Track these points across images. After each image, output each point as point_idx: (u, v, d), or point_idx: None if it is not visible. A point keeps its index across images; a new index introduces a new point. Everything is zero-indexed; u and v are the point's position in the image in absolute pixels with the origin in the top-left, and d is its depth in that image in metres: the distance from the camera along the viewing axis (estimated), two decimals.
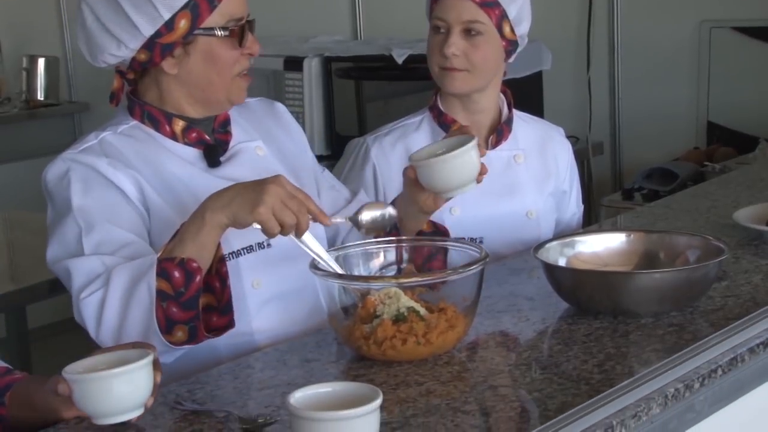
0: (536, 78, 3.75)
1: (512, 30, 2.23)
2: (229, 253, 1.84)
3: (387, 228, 1.84)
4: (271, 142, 2.03)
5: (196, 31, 1.84)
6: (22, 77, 5.29)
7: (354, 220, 1.80)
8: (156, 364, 1.49)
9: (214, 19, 1.84)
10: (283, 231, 1.66)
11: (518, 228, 2.27)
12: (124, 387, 1.44)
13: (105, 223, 1.79)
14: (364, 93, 3.92)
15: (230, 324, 1.72)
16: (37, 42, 5.45)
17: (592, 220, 3.86)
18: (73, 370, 1.46)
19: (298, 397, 1.36)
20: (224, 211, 1.66)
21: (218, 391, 1.60)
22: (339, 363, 1.70)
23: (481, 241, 2.20)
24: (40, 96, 5.28)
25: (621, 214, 2.79)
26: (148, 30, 1.83)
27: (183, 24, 1.83)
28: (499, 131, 2.30)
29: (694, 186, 2.93)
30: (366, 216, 1.80)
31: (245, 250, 1.87)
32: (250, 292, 1.88)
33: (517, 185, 2.30)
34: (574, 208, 2.45)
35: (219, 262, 1.71)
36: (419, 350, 1.64)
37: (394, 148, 2.30)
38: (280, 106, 2.15)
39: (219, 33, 1.85)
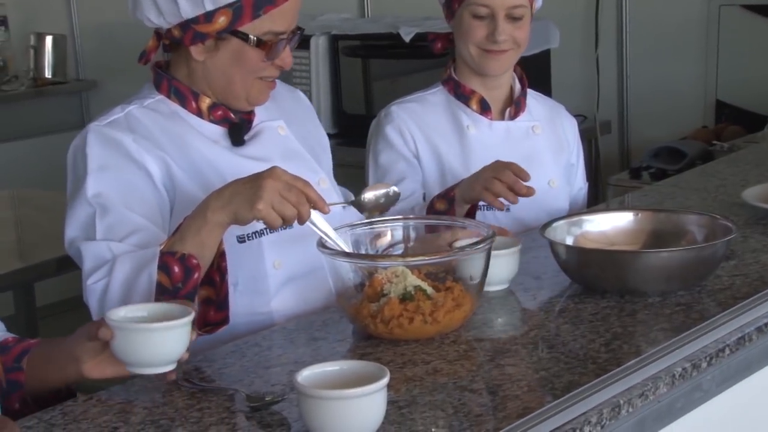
0: (544, 56, 3.73)
1: (534, 5, 2.32)
2: (252, 233, 1.85)
3: (390, 207, 1.84)
4: (291, 122, 2.03)
5: (232, 31, 1.84)
6: (29, 55, 5.28)
7: (357, 202, 1.81)
8: (193, 323, 1.51)
9: (253, 26, 1.84)
10: (285, 223, 1.65)
11: (541, 197, 2.27)
12: (167, 341, 1.46)
13: (119, 206, 1.80)
14: (371, 71, 3.92)
15: (225, 320, 1.72)
16: (45, 20, 5.44)
17: (599, 199, 3.85)
18: (117, 317, 1.48)
19: (306, 375, 1.36)
20: (225, 210, 1.66)
21: (226, 369, 1.61)
22: (346, 342, 1.70)
23: (507, 210, 2.24)
24: (47, 74, 5.28)
25: (628, 193, 2.78)
26: (187, 13, 1.84)
27: (222, 20, 1.83)
28: (517, 103, 2.35)
29: (703, 165, 2.93)
30: (369, 195, 1.80)
31: (267, 230, 1.87)
32: (271, 272, 1.89)
33: (537, 155, 2.34)
34: (581, 182, 2.50)
35: (220, 256, 1.71)
36: (426, 329, 1.64)
37: (414, 111, 2.34)
38: (302, 95, 2.16)
39: (252, 40, 1.84)
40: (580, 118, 3.95)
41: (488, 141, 2.31)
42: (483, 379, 1.52)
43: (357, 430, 1.33)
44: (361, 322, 1.67)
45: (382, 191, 1.82)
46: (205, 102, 1.91)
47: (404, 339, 1.65)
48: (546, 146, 2.36)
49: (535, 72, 3.72)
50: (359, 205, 1.82)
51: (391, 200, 1.82)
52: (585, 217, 2.00)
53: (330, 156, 2.15)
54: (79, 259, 1.80)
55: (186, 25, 1.84)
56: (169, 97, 1.92)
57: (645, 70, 3.93)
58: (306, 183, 1.67)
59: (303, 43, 3.91)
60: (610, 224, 1.97)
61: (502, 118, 2.34)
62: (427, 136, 2.32)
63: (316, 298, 1.90)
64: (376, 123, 2.40)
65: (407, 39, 3.70)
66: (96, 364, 1.53)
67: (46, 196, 3.66)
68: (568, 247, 1.89)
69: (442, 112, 2.34)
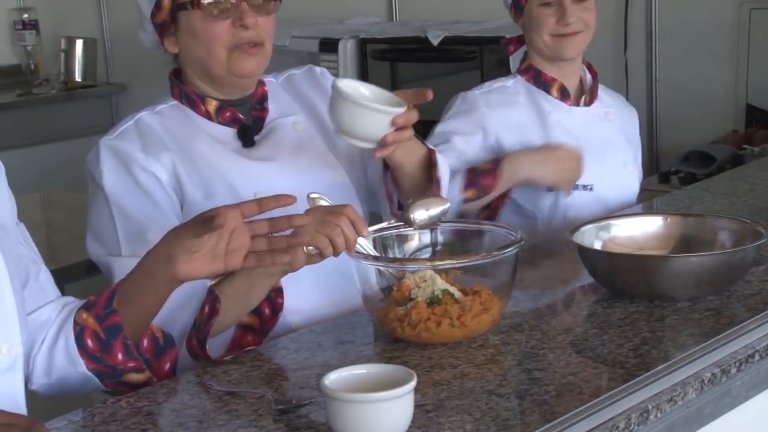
0: None
1: None
2: None
3: (439, 220, 1.81)
4: (312, 116, 2.03)
5: (177, 7, 1.87)
6: (60, 59, 5.32)
7: (405, 218, 1.78)
8: None
9: None
10: (335, 245, 1.65)
11: (620, 177, 2.46)
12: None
13: (136, 217, 1.83)
14: (399, 75, 3.91)
15: (258, 343, 1.75)
16: (75, 23, 5.48)
17: None
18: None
19: (333, 378, 1.36)
20: None
21: (253, 372, 1.61)
22: (373, 345, 1.71)
23: (591, 189, 2.38)
24: (77, 77, 5.31)
25: (657, 198, 2.77)
26: (147, 11, 1.90)
27: (166, 1, 1.87)
28: (591, 90, 2.48)
29: (732, 169, 2.91)
30: (420, 215, 1.78)
31: None
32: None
33: (612, 139, 2.48)
34: (639, 171, 2.59)
35: (276, 291, 1.74)
36: (453, 333, 1.64)
37: (495, 104, 2.41)
38: (316, 69, 2.12)
39: (189, 7, 1.86)
40: None
41: (568, 125, 2.42)
42: (510, 384, 1.52)
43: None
44: (389, 325, 1.67)
45: (432, 209, 1.79)
46: (212, 105, 1.92)
47: (432, 343, 1.65)
48: (619, 131, 2.49)
49: None
50: (408, 222, 1.78)
51: (441, 215, 1.79)
52: (614, 222, 1.99)
53: None
54: (108, 272, 1.85)
55: (155, 25, 1.90)
56: (181, 101, 1.94)
57: (674, 73, 3.90)
58: (345, 206, 1.68)
59: (331, 46, 3.92)
60: (639, 229, 1.96)
61: (577, 104, 2.45)
62: (508, 123, 2.39)
63: (333, 299, 1.90)
64: (459, 103, 2.43)
65: (435, 42, 3.69)
66: (191, 262, 1.54)
67: (77, 198, 3.68)
68: (596, 251, 1.88)
69: (523, 98, 2.43)
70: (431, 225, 1.80)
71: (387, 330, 1.69)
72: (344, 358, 1.65)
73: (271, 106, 1.98)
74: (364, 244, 1.71)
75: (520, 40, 2.50)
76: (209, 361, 1.67)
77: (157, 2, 1.88)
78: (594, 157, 2.36)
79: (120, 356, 1.59)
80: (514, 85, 2.46)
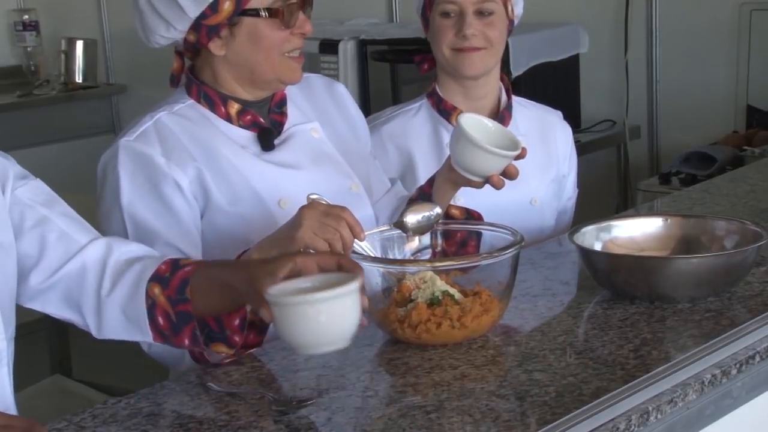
0: (573, 61, 3.72)
1: (512, 9, 2.27)
2: None
3: (433, 227, 1.80)
4: (326, 123, 2.03)
5: (241, 13, 1.84)
6: (60, 60, 5.32)
7: (399, 224, 1.78)
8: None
9: (259, 0, 1.84)
10: (332, 248, 1.65)
11: (522, 216, 2.21)
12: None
13: (150, 224, 1.81)
14: (399, 76, 3.91)
15: (260, 343, 1.71)
16: (76, 24, 5.48)
17: (628, 205, 3.84)
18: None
19: (278, 288, 1.38)
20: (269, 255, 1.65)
21: (253, 374, 1.61)
22: (373, 346, 1.70)
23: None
24: (78, 78, 5.31)
25: (658, 199, 2.77)
26: (193, 11, 1.84)
27: (227, 6, 1.83)
28: (500, 117, 2.27)
29: (733, 170, 2.91)
30: (412, 219, 1.77)
31: None
32: None
33: (520, 173, 2.22)
34: (570, 191, 2.43)
35: None
36: (454, 334, 1.64)
37: (391, 138, 2.29)
38: (341, 87, 2.14)
39: (263, 14, 1.84)
40: (609, 123, 3.94)
41: None
42: (511, 385, 1.52)
43: (324, 335, 1.35)
44: (389, 326, 1.67)
45: (425, 214, 1.78)
46: (234, 107, 1.91)
47: (432, 344, 1.65)
48: (531, 162, 2.14)
49: (564, 77, 3.71)
50: (402, 227, 1.78)
51: (434, 221, 1.78)
52: (614, 223, 1.99)
53: (367, 151, 2.13)
54: None
55: (197, 24, 1.85)
56: (199, 101, 1.92)
57: (675, 74, 3.91)
58: (343, 208, 1.67)
59: (331, 48, 3.92)
60: (639, 230, 1.96)
61: None
62: (405, 154, 2.27)
63: None
64: None
65: None
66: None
67: (77, 199, 3.67)
68: (597, 252, 1.88)
69: (422, 128, 2.29)
70: (424, 230, 1.79)
71: (387, 331, 1.69)
72: (344, 359, 1.64)
73: (290, 110, 1.98)
74: (364, 246, 1.71)
75: (434, 59, 2.31)
76: (210, 365, 1.66)
77: (214, 5, 1.83)
78: (493, 194, 2.00)
79: (187, 342, 1.58)
80: (417, 110, 2.31)
